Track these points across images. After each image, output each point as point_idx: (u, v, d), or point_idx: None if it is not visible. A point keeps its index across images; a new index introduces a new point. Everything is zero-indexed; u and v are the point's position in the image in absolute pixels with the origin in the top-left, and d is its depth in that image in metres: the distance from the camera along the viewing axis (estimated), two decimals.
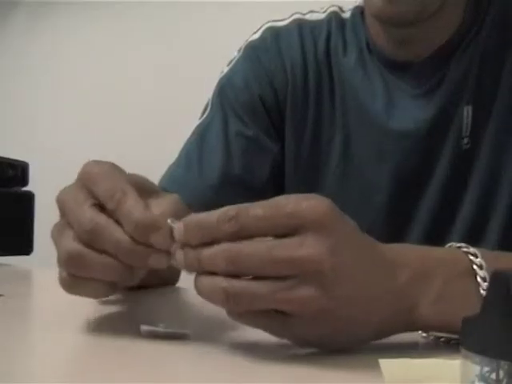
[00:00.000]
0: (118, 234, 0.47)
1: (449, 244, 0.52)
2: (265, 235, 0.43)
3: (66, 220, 0.49)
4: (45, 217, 1.35)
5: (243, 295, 0.43)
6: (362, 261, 0.45)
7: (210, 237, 0.43)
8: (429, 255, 0.49)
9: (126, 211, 0.46)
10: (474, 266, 0.48)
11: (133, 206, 0.47)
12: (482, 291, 0.47)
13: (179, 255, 0.45)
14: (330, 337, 0.45)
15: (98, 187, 0.49)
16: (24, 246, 1.15)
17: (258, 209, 0.42)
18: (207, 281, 0.44)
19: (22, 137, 2.19)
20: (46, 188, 1.59)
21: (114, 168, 0.51)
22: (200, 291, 0.44)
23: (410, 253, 0.49)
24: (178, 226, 0.45)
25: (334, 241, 0.42)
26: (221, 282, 0.43)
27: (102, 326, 0.55)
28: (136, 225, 0.46)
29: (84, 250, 0.47)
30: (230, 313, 0.45)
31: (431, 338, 0.51)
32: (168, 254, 0.46)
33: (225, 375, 0.43)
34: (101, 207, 0.48)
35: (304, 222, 0.42)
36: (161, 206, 0.48)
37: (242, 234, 0.42)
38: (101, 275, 0.48)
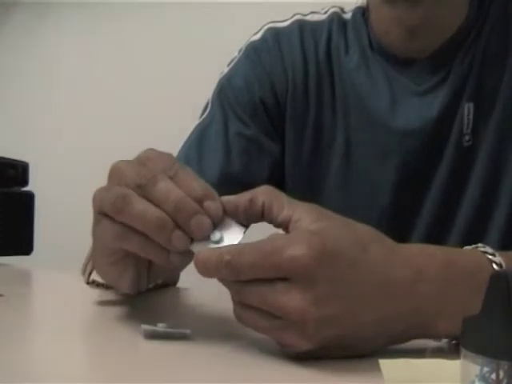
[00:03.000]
0: (172, 186, 0.48)
1: (475, 245, 0.51)
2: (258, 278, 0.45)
3: (118, 180, 0.50)
4: (45, 217, 1.35)
5: (248, 321, 0.46)
6: (360, 294, 0.44)
7: (216, 276, 0.46)
8: (453, 265, 0.48)
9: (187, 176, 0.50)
10: None
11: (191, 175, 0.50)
12: None
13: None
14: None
15: (155, 163, 0.50)
16: (24, 246, 1.15)
17: (248, 256, 0.44)
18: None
19: (22, 137, 2.19)
20: (46, 188, 1.60)
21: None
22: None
23: (433, 262, 0.48)
24: None
25: (318, 292, 0.43)
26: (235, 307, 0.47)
27: (102, 326, 0.55)
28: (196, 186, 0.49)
29: (132, 193, 0.48)
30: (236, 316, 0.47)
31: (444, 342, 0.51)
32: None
33: (225, 375, 0.43)
34: None
35: (287, 274, 0.43)
36: None
37: (239, 278, 0.45)
38: (140, 223, 0.48)
